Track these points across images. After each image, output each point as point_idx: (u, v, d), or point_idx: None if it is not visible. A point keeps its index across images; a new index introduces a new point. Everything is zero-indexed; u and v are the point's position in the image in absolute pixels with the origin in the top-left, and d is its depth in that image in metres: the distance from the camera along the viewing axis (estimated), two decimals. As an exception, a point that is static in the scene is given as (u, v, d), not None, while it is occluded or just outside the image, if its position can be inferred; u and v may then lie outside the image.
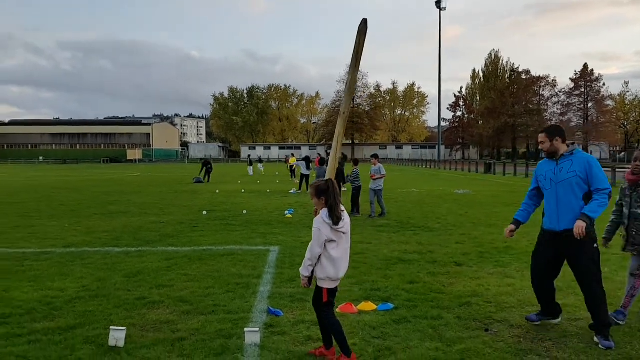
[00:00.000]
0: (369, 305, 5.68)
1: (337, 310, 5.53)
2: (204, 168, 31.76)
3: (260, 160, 52.83)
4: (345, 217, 4.28)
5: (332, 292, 4.31)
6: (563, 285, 6.58)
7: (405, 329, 5.05)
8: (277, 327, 5.08)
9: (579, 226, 4.56)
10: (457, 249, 9.22)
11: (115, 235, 10.77)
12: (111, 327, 4.68)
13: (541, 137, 5.02)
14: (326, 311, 4.32)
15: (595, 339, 4.68)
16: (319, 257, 4.20)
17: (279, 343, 4.67)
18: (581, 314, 5.44)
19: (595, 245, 4.77)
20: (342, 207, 4.31)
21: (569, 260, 4.89)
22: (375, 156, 14.92)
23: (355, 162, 15.74)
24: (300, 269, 4.33)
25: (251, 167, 43.87)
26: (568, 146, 4.97)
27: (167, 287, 6.59)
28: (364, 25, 4.92)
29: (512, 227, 5.36)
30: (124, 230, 11.56)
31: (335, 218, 4.15)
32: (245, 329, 4.74)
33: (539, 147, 5.16)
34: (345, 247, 4.31)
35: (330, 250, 4.19)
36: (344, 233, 4.25)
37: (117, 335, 4.59)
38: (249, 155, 35.49)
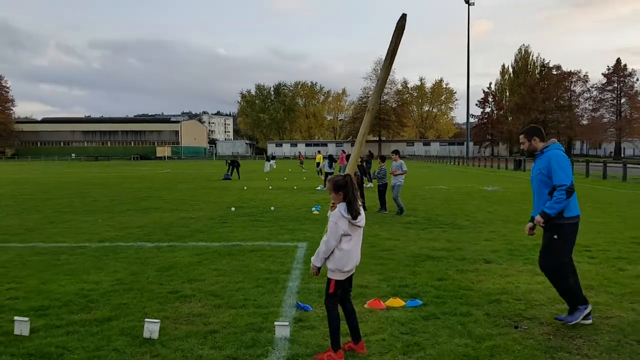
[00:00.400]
0: (397, 302, 5.71)
1: (365, 306, 5.58)
2: (232, 166, 32.10)
3: (272, 157, 53.72)
4: (361, 212, 4.33)
5: (340, 284, 4.34)
6: (595, 284, 6.51)
7: (434, 325, 5.07)
8: (307, 322, 5.15)
9: (538, 220, 5.12)
10: (486, 246, 9.16)
11: (148, 231, 11.00)
12: (145, 320, 4.82)
13: (521, 138, 5.44)
14: (330, 302, 4.35)
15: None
16: None
17: (309, 337, 4.74)
18: (613, 312, 5.39)
19: (555, 236, 5.10)
20: (359, 202, 4.37)
21: None
22: (396, 152, 14.81)
23: (382, 159, 15.71)
24: (312, 257, 4.39)
25: (268, 164, 44.64)
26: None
27: (199, 281, 6.73)
28: (402, 21, 4.84)
29: (530, 224, 5.44)
30: (156, 225, 11.79)
31: (354, 212, 4.21)
32: (276, 323, 4.82)
33: (521, 148, 5.51)
34: (358, 240, 4.36)
35: (343, 244, 4.25)
36: (360, 227, 4.32)
37: (152, 328, 4.71)
38: (265, 152, 35.76)
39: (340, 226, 4.22)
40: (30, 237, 10.26)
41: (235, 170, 31.97)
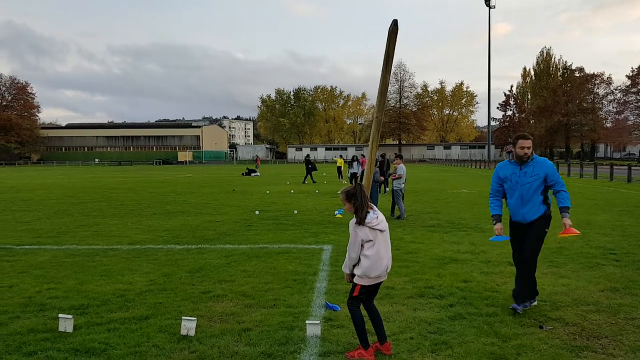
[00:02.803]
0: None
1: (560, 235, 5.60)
2: (309, 169, 31.46)
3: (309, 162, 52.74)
4: (379, 215, 4.44)
5: (365, 289, 4.44)
6: (620, 286, 6.56)
7: (460, 324, 5.19)
8: (336, 321, 5.32)
9: (568, 223, 5.49)
10: (510, 249, 9.18)
11: (175, 234, 11.27)
12: (183, 317, 5.03)
13: (528, 143, 5.67)
14: (353, 304, 4.49)
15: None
16: None
17: (339, 335, 4.91)
18: (638, 314, 5.46)
19: (546, 229, 5.71)
20: (373, 206, 4.48)
21: (524, 239, 5.78)
22: (399, 157, 14.76)
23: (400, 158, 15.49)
24: (342, 266, 4.58)
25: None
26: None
27: (229, 282, 6.94)
28: (394, 27, 4.96)
29: (500, 225, 5.86)
30: (183, 228, 12.07)
31: (359, 218, 4.35)
32: (307, 321, 5.00)
33: (523, 153, 5.67)
34: (382, 245, 4.41)
35: (367, 250, 4.36)
36: (380, 231, 4.40)
37: (189, 325, 4.93)
38: (307, 155, 34.67)
39: (359, 234, 4.35)
40: (64, 240, 10.59)
41: (308, 173, 31.42)
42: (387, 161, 22.44)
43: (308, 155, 34.94)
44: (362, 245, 4.38)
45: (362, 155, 35.13)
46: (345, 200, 4.46)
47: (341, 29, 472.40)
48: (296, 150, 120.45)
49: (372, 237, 4.36)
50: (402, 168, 14.09)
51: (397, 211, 13.83)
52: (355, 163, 25.20)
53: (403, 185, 13.98)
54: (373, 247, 4.36)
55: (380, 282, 4.55)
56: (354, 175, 24.73)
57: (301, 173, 44.55)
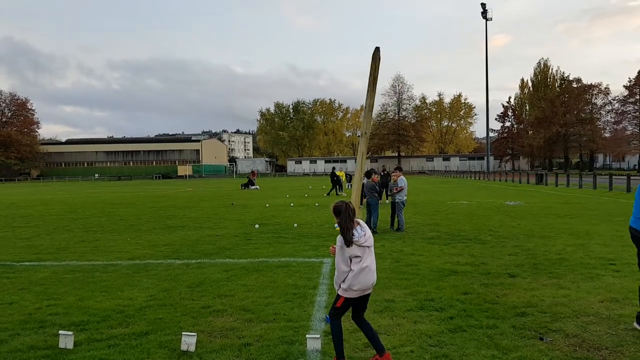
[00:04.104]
0: None
1: None
2: (335, 182, 31.63)
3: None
4: (367, 231, 4.48)
5: (348, 302, 4.47)
6: (619, 297, 6.57)
7: (461, 337, 5.19)
8: (336, 335, 5.30)
9: None
10: (510, 260, 9.23)
11: (175, 248, 11.27)
12: (183, 333, 5.03)
13: None
14: (333, 314, 4.52)
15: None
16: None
17: (339, 349, 4.89)
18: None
19: None
20: (360, 221, 4.53)
21: None
22: (399, 169, 14.77)
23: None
24: (334, 281, 4.60)
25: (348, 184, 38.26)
26: None
27: (229, 296, 6.94)
28: (377, 53, 5.36)
29: None
30: (183, 243, 12.07)
31: (346, 240, 4.40)
32: (307, 335, 5.00)
33: None
34: (368, 260, 4.46)
35: (353, 265, 4.41)
36: (368, 247, 4.46)
37: (189, 341, 4.92)
38: (333, 168, 34.43)
39: (346, 249, 4.41)
40: (63, 256, 10.59)
41: (335, 187, 31.61)
42: (387, 174, 22.49)
43: (334, 168, 34.85)
44: (350, 259, 4.42)
45: (373, 170, 35.10)
46: (334, 214, 4.57)
47: (340, 42, 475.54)
48: (295, 163, 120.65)
49: (360, 253, 4.42)
50: (402, 180, 14.09)
51: (397, 223, 13.83)
52: (350, 176, 25.23)
53: (405, 198, 13.98)
54: (360, 263, 4.42)
55: (366, 296, 4.55)
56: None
57: (300, 186, 44.59)
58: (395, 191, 13.97)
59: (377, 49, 5.30)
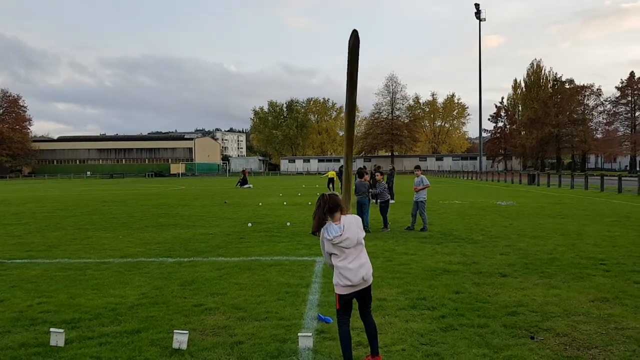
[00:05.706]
0: None
1: None
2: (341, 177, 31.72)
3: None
4: (348, 233, 4.35)
5: (343, 299, 4.41)
6: (610, 296, 6.62)
7: (452, 336, 5.22)
8: (328, 333, 5.32)
9: None
10: (502, 260, 9.28)
11: (168, 247, 11.25)
12: (174, 331, 5.02)
13: None
14: (338, 319, 4.48)
15: None
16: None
17: (331, 348, 4.91)
18: (628, 323, 5.50)
19: None
20: (346, 221, 4.40)
21: None
22: (417, 167, 14.83)
23: (380, 174, 15.17)
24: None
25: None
26: None
27: (221, 294, 6.94)
28: (355, 39, 4.63)
29: None
30: (175, 241, 12.04)
31: (313, 229, 4.46)
32: (299, 334, 5.01)
33: None
34: (351, 257, 4.36)
35: (334, 261, 4.41)
36: (346, 248, 4.36)
37: (180, 339, 4.92)
38: (341, 167, 34.42)
39: (325, 245, 4.44)
40: (55, 254, 10.54)
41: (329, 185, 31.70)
42: (372, 174, 22.50)
43: (342, 167, 34.89)
44: (331, 255, 4.43)
45: (377, 169, 35.13)
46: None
47: (334, 41, 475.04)
48: (289, 162, 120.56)
49: (337, 252, 4.37)
50: (424, 178, 14.20)
51: (421, 223, 13.82)
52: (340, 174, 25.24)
53: (425, 197, 14.07)
54: (342, 261, 4.37)
55: (365, 289, 4.45)
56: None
57: (294, 185, 44.55)
58: (418, 190, 13.94)
59: (354, 34, 4.56)
